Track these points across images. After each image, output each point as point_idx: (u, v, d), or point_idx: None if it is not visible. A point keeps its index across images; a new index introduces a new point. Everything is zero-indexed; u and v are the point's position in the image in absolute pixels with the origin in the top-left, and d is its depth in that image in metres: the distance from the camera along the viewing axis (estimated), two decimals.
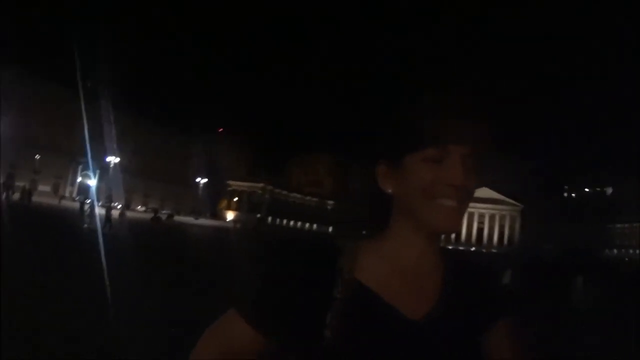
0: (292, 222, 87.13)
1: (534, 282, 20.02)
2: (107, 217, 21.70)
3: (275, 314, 0.96)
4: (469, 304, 1.01)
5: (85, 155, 49.94)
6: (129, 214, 32.17)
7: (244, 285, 1.07)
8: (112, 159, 53.44)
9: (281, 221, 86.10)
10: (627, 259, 61.41)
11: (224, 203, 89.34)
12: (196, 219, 62.39)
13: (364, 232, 1.05)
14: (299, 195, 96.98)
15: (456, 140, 0.94)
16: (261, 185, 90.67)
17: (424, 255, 1.01)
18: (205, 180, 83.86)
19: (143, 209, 62.89)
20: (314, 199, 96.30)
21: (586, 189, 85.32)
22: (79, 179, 60.15)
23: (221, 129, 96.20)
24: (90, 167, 50.83)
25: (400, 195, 0.98)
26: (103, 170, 52.46)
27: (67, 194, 56.71)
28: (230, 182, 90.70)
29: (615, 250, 71.16)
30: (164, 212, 48.10)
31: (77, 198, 46.61)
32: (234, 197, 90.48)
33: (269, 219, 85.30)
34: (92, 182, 47.18)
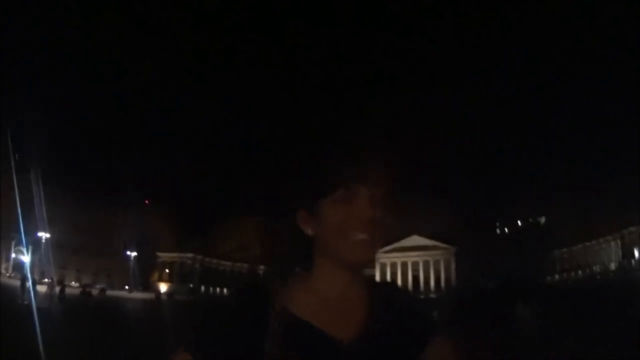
0: (225, 290, 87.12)
1: (475, 314, 21.08)
2: (47, 293, 22.07)
3: (218, 348, 1.03)
4: (397, 327, 1.11)
5: (18, 230, 49.32)
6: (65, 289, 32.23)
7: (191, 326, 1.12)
8: (43, 234, 52.80)
9: (214, 289, 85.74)
10: (569, 282, 64.22)
11: (156, 275, 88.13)
12: (129, 292, 61.25)
13: (292, 272, 1.18)
14: (228, 263, 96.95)
15: (361, 181, 1.06)
16: (190, 255, 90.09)
17: (347, 286, 1.12)
18: (135, 253, 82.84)
19: (77, 284, 61.71)
20: (245, 265, 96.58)
21: (519, 221, 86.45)
22: (13, 255, 58.65)
23: (147, 201, 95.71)
24: (23, 242, 50.05)
25: (320, 236, 1.10)
26: (35, 245, 51.67)
27: (2, 270, 55.08)
28: (160, 254, 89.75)
29: (556, 276, 72.85)
30: (97, 286, 47.93)
31: (13, 275, 45.78)
32: (165, 269, 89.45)
33: (202, 288, 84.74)
34: (26, 258, 46.01)
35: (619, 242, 66.42)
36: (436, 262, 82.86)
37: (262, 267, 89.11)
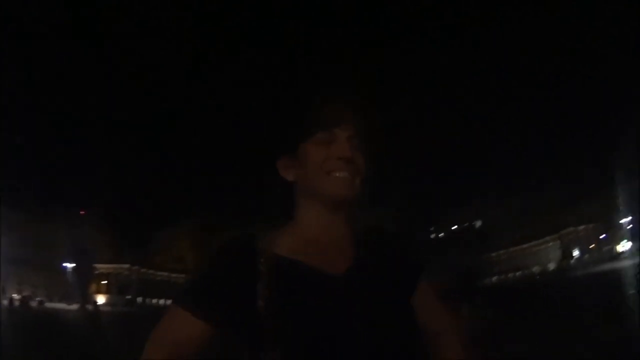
0: (162, 301, 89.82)
1: None
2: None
3: (213, 300, 1.08)
4: (386, 261, 1.19)
5: None
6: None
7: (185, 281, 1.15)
8: None
9: (151, 300, 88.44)
10: (508, 283, 65.77)
11: (94, 287, 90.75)
12: (69, 304, 64.32)
13: (276, 221, 1.23)
14: (165, 273, 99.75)
15: (340, 124, 1.14)
16: (127, 266, 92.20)
17: (333, 224, 1.19)
18: (73, 265, 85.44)
19: (18, 297, 64.65)
20: (182, 275, 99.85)
21: (454, 226, 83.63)
22: None
23: (83, 211, 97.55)
24: None
25: (302, 178, 1.17)
26: None
27: None
28: (97, 265, 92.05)
29: (495, 278, 72.25)
30: (37, 299, 51.25)
31: None
32: (102, 280, 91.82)
33: (139, 299, 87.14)
34: None
35: (557, 242, 68.27)
36: None
37: None
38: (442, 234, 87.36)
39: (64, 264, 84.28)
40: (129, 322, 30.27)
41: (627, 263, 41.29)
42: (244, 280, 1.09)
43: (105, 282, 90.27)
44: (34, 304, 41.00)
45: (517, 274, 71.54)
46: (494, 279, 72.48)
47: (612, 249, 67.30)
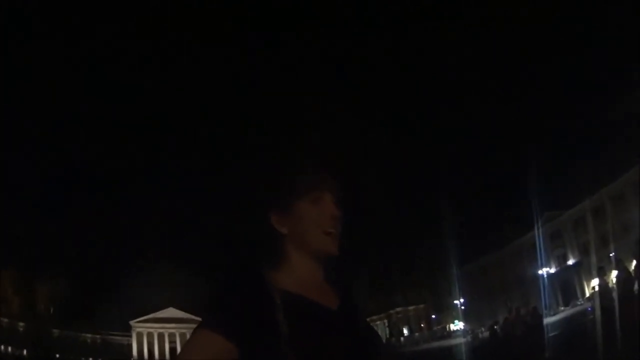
0: None
1: None
2: None
3: (242, 324, 1.20)
4: (358, 297, 1.43)
5: None
6: None
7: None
8: None
9: None
10: None
11: None
12: None
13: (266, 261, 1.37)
14: None
15: (329, 187, 1.31)
16: None
17: (319, 269, 1.38)
18: None
19: None
20: (4, 319, 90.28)
21: None
22: None
23: None
24: None
25: (295, 232, 1.31)
26: None
27: None
28: None
29: None
30: None
31: None
32: None
33: None
34: None
35: (385, 322, 70.50)
36: None
37: (21, 323, 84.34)
38: None
39: None
40: None
41: (457, 341, 44.13)
42: (263, 309, 1.22)
43: None
44: None
45: None
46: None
47: (444, 328, 71.77)
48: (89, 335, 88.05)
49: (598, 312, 14.05)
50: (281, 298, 1.27)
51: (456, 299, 65.89)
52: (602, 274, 12.54)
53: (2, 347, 78.08)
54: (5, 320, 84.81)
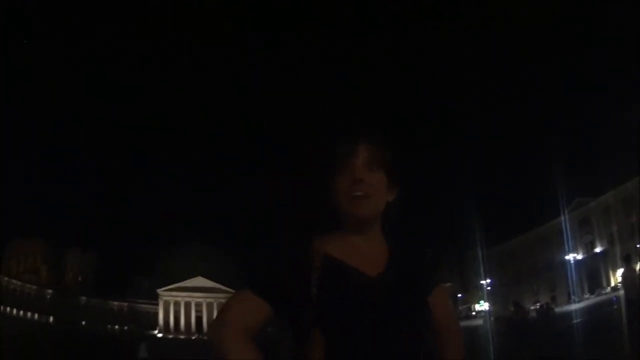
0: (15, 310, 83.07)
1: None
2: None
3: (281, 288, 1.31)
4: (408, 268, 1.43)
5: None
6: None
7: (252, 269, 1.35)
8: None
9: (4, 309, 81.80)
10: None
11: None
12: None
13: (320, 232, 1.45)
14: (19, 283, 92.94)
15: (356, 154, 1.39)
16: None
17: (364, 235, 1.44)
18: None
19: None
20: (34, 287, 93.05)
21: None
22: None
23: None
24: None
25: (336, 202, 1.42)
26: None
27: None
28: None
29: None
30: None
31: None
32: None
33: None
34: None
35: None
36: (220, 305, 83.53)
37: (49, 291, 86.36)
38: None
39: None
40: None
41: (480, 322, 43.90)
42: (303, 273, 1.32)
43: None
44: None
45: None
46: None
47: (469, 307, 72.73)
48: (116, 303, 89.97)
49: (623, 303, 13.97)
50: (322, 262, 1.36)
51: (482, 280, 65.37)
52: (629, 263, 12.41)
53: (29, 313, 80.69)
54: (34, 287, 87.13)
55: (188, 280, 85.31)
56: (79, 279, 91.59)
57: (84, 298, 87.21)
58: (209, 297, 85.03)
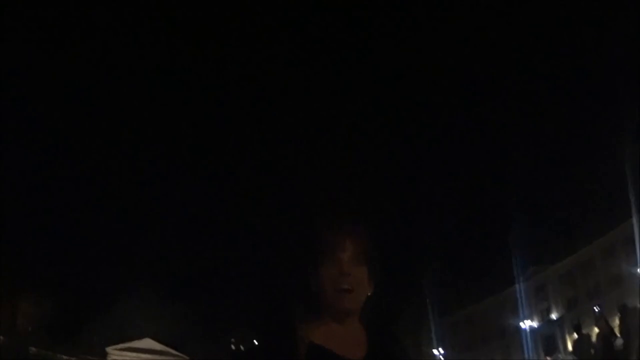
0: None
1: None
2: None
3: None
4: (389, 354, 1.55)
5: None
6: None
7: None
8: None
9: None
10: None
11: None
12: None
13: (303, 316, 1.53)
14: None
15: (341, 249, 1.46)
16: None
17: (349, 323, 1.52)
18: None
19: None
20: None
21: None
22: None
23: None
24: None
25: (320, 292, 1.49)
26: None
27: None
28: None
29: None
30: None
31: None
32: None
33: None
34: None
35: None
36: None
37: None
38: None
39: None
40: None
41: None
42: (293, 357, 1.41)
43: None
44: None
45: None
46: None
47: None
48: (65, 357, 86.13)
49: None
50: (307, 349, 1.43)
51: (436, 349, 65.05)
52: (583, 328, 12.50)
53: None
54: None
55: (137, 341, 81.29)
56: (29, 329, 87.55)
57: (33, 349, 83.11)
58: None
